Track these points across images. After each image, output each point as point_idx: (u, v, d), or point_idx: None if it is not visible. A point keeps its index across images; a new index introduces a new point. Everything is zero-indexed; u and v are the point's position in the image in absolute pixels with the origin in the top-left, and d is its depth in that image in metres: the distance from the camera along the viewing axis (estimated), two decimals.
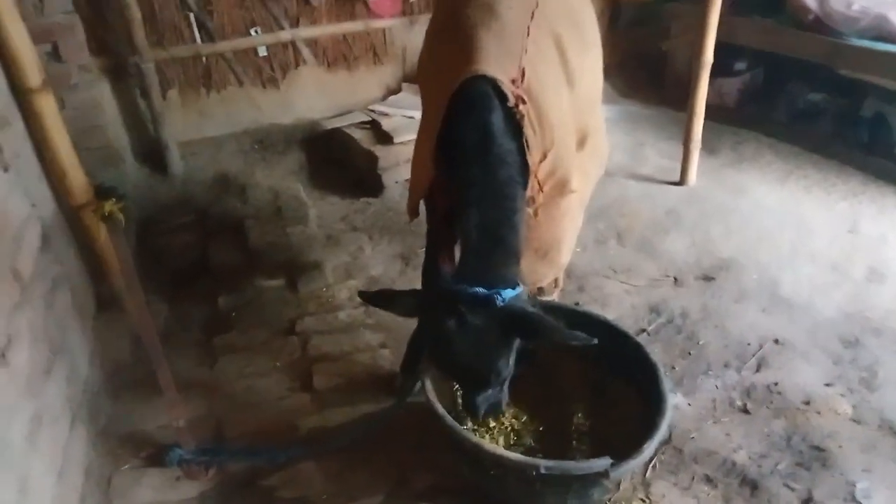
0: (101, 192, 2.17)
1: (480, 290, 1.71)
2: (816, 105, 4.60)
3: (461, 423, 1.95)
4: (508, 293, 1.72)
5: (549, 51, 2.00)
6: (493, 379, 1.79)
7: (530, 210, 1.99)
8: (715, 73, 3.82)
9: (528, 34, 1.91)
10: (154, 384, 2.18)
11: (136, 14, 3.69)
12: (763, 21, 4.52)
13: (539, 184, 1.98)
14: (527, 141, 1.85)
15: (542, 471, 1.71)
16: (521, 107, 1.83)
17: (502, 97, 1.81)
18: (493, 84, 1.80)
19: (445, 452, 2.04)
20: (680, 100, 3.94)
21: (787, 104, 4.71)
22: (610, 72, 5.35)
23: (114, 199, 2.07)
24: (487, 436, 2.10)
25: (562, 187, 2.11)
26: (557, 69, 2.04)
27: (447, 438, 1.93)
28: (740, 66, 4.84)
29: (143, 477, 2.22)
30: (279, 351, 2.74)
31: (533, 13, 1.96)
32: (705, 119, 3.82)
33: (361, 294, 1.97)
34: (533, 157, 1.89)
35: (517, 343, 1.78)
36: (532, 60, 1.89)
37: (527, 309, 1.76)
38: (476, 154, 1.80)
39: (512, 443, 2.12)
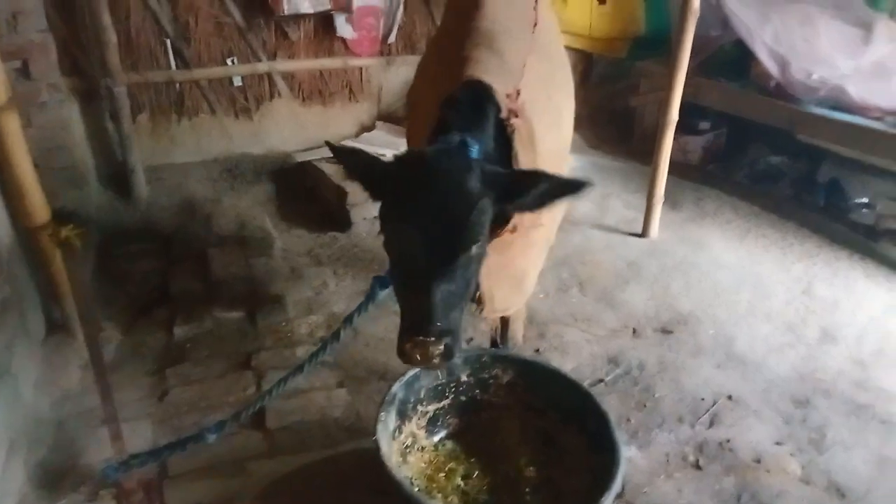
0: (60, 217, 2.14)
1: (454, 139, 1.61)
2: (776, 168, 4.78)
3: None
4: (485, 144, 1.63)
5: (541, 88, 2.01)
6: (467, 242, 1.53)
7: (510, 233, 1.89)
8: (680, 131, 3.94)
9: (525, 65, 1.93)
10: (101, 414, 2.12)
11: (111, 37, 3.69)
12: (728, 85, 4.69)
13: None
14: (517, 156, 1.81)
15: None
16: (513, 120, 1.80)
17: (496, 109, 1.78)
18: (489, 92, 1.78)
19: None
20: (646, 154, 4.05)
21: (749, 165, 4.87)
22: (581, 124, 5.49)
23: (71, 225, 2.04)
24: (440, 495, 2.07)
25: (534, 219, 2.06)
26: (548, 107, 2.05)
27: None
28: (705, 125, 5.01)
29: None
30: (233, 385, 2.69)
31: (529, 51, 2.00)
32: (670, 174, 3.93)
33: (329, 144, 1.77)
34: None
35: (491, 212, 1.58)
36: (528, 86, 1.88)
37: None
38: (467, 127, 1.71)
39: (466, 501, 2.09)
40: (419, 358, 1.51)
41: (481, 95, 1.78)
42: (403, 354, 1.53)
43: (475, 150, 1.64)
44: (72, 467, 2.27)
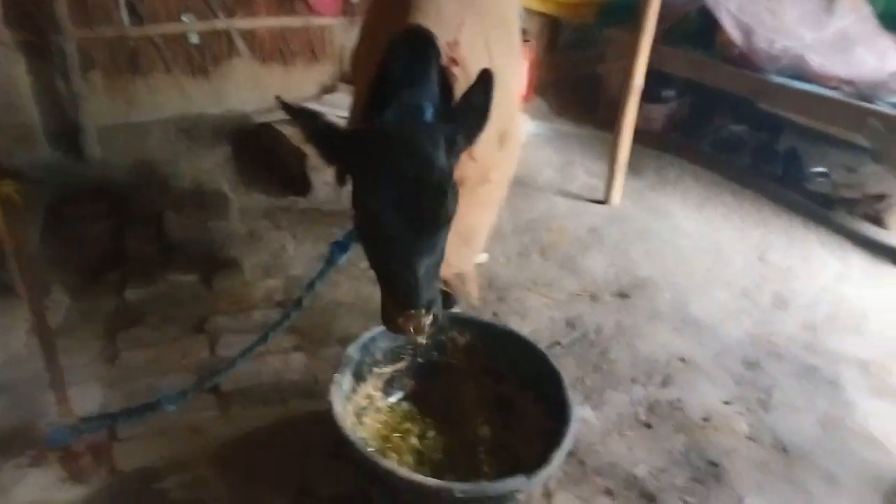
0: (1, 174, 2.05)
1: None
2: (738, 137, 4.82)
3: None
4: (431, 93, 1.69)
5: (479, 44, 2.03)
6: (445, 217, 1.59)
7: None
8: (644, 99, 3.95)
9: (463, 23, 1.94)
10: (48, 378, 2.06)
11: None
12: (693, 53, 4.71)
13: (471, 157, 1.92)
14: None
15: (458, 495, 1.68)
16: (454, 69, 1.82)
17: (437, 55, 1.80)
18: (430, 36, 1.79)
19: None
20: (611, 122, 4.05)
21: (711, 134, 4.92)
22: (546, 91, 5.51)
23: (10, 181, 1.95)
24: (395, 455, 2.07)
25: (482, 176, 2.14)
26: (485, 62, 2.02)
27: (357, 465, 1.88)
28: (669, 93, 5.02)
29: (27, 476, 2.09)
30: (187, 349, 2.65)
31: (468, 8, 2.02)
32: (633, 142, 3.94)
33: (282, 101, 1.70)
34: None
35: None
36: (467, 41, 1.91)
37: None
38: (412, 77, 1.74)
39: (421, 461, 2.10)
40: (413, 330, 1.59)
41: (423, 42, 1.79)
42: (395, 327, 1.60)
43: (430, 112, 1.64)
44: (18, 431, 2.22)
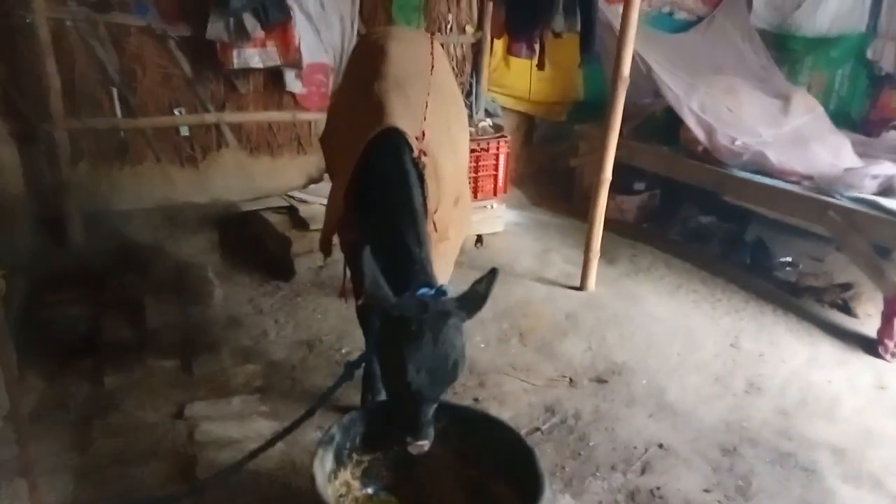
0: None
1: (434, 291, 1.98)
2: (706, 227, 5.03)
3: None
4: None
5: (440, 123, 2.40)
6: (455, 378, 1.97)
7: None
8: (617, 191, 4.14)
9: (426, 107, 2.33)
10: (18, 466, 2.02)
11: (54, 83, 3.68)
12: (660, 148, 4.97)
13: (435, 226, 2.31)
14: (426, 186, 2.22)
15: None
16: (423, 158, 2.21)
17: (409, 150, 2.20)
18: (403, 136, 2.19)
19: None
20: (586, 212, 4.21)
21: (681, 224, 5.12)
22: (523, 182, 5.73)
23: None
24: None
25: (443, 234, 2.43)
26: (446, 138, 2.45)
27: None
28: (640, 186, 5.26)
29: None
30: (163, 436, 2.61)
31: (429, 93, 2.40)
32: (607, 231, 4.10)
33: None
34: (430, 205, 2.24)
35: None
36: (430, 127, 2.29)
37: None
38: (398, 182, 2.17)
39: None
40: (415, 451, 1.95)
41: (401, 140, 2.20)
42: (404, 446, 1.95)
43: (449, 291, 2.01)
44: None
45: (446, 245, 2.55)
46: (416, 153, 2.20)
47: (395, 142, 2.20)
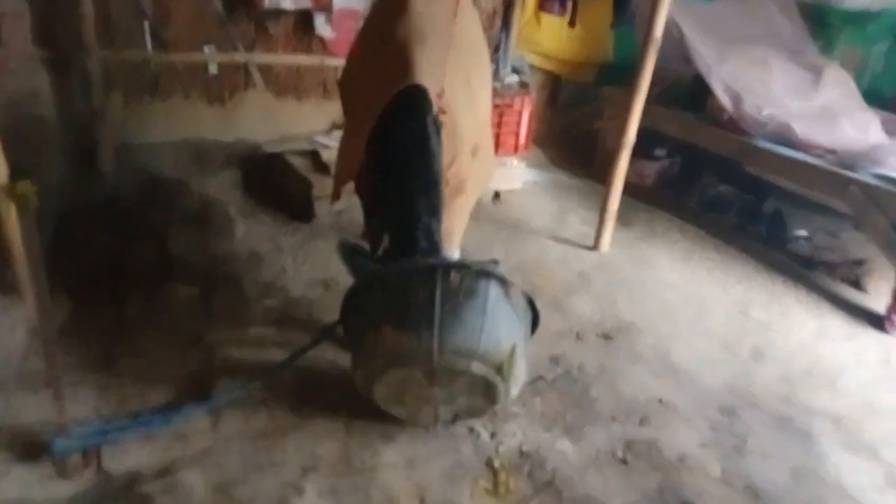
0: (18, 174, 2.12)
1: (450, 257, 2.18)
2: (725, 196, 5.01)
3: None
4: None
5: (460, 77, 2.45)
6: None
7: None
8: (637, 155, 4.13)
9: (446, 63, 2.37)
10: (44, 378, 2.11)
11: (88, 11, 3.70)
12: (684, 115, 4.93)
13: (448, 181, 2.39)
14: (443, 143, 2.29)
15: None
16: (441, 117, 2.28)
17: (431, 109, 2.27)
18: (426, 94, 2.24)
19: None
20: (606, 175, 4.21)
21: (700, 192, 5.11)
22: (545, 142, 5.72)
23: (28, 181, 2.02)
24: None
25: (459, 188, 2.50)
26: (465, 93, 2.49)
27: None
28: (661, 152, 5.24)
29: (11, 472, 2.12)
30: (182, 360, 2.72)
31: (449, 45, 2.43)
32: (624, 195, 4.11)
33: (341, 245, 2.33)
34: (445, 161, 2.32)
35: None
36: (449, 82, 2.34)
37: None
38: (417, 147, 2.24)
39: None
40: None
41: (424, 99, 2.26)
42: None
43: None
44: (6, 427, 2.27)
45: (462, 200, 2.59)
46: (436, 111, 2.26)
47: (417, 101, 2.24)
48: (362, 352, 2.17)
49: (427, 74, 2.27)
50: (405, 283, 2.06)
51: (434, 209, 2.24)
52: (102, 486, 2.14)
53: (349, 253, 2.35)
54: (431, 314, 1.98)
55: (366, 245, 2.51)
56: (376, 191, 2.40)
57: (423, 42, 2.36)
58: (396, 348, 2.05)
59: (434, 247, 2.20)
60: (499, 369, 2.11)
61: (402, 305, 2.05)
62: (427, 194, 2.23)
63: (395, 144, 2.28)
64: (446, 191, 2.38)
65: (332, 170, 2.86)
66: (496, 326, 2.09)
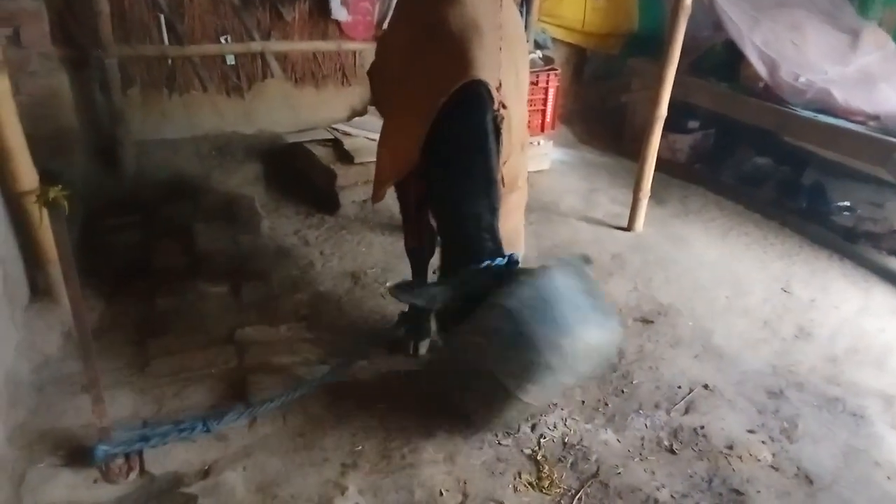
0: (48, 178, 2.12)
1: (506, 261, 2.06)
2: (762, 169, 4.85)
3: None
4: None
5: (511, 68, 2.34)
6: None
7: None
8: (669, 129, 3.99)
9: (500, 52, 2.25)
10: (81, 380, 2.11)
11: (104, 7, 3.66)
12: (718, 85, 4.76)
13: (503, 178, 2.28)
14: (501, 139, 2.21)
15: None
16: (501, 111, 2.19)
17: (492, 106, 2.17)
18: (488, 89, 2.15)
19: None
20: (636, 151, 4.09)
21: (735, 165, 4.95)
22: (572, 119, 5.58)
23: (60, 186, 2.01)
24: None
25: (512, 185, 2.42)
26: (514, 83, 2.38)
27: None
28: (693, 124, 5.07)
29: (58, 475, 2.13)
30: (215, 358, 2.70)
31: (501, 36, 2.29)
32: (657, 171, 3.98)
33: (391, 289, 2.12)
34: (503, 157, 2.23)
35: None
36: (504, 74, 2.24)
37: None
38: (477, 144, 2.15)
39: None
40: None
41: (485, 95, 2.15)
42: None
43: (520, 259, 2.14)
44: (50, 431, 2.27)
45: (518, 196, 2.54)
46: (496, 105, 2.16)
47: (479, 97, 2.14)
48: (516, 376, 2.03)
49: (486, 68, 2.17)
50: (549, 294, 2.00)
51: (494, 209, 2.15)
52: (146, 488, 2.13)
53: (404, 289, 2.16)
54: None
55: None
56: (432, 190, 2.29)
57: (480, 34, 2.23)
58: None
59: (499, 247, 2.11)
60: None
61: (549, 317, 1.98)
62: (488, 193, 2.14)
63: (457, 142, 2.16)
64: (501, 191, 2.28)
65: (374, 168, 2.69)
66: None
